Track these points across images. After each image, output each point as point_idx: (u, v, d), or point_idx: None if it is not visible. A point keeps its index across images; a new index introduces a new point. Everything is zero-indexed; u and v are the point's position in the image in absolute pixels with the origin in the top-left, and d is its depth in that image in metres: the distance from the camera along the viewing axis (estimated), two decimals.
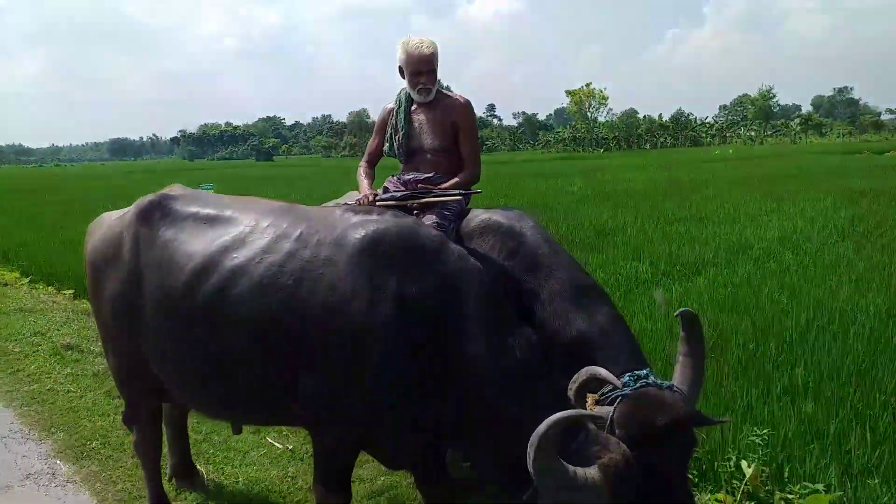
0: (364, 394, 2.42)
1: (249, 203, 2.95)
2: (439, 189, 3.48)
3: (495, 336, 2.36)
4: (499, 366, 2.32)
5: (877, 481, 3.30)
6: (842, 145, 54.51)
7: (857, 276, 7.45)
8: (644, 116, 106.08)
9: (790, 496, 3.30)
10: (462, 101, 3.74)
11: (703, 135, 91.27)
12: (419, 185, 3.49)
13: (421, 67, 3.59)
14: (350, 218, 2.65)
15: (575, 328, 2.73)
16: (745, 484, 3.37)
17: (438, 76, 3.71)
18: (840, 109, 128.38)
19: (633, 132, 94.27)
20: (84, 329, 7.04)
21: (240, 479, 3.75)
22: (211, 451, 4.10)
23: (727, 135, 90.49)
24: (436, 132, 3.67)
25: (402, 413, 2.45)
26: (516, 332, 2.39)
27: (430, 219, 3.25)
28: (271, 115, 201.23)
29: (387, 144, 3.86)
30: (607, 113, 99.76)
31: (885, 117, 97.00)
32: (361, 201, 3.57)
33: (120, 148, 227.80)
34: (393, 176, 3.75)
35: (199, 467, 3.76)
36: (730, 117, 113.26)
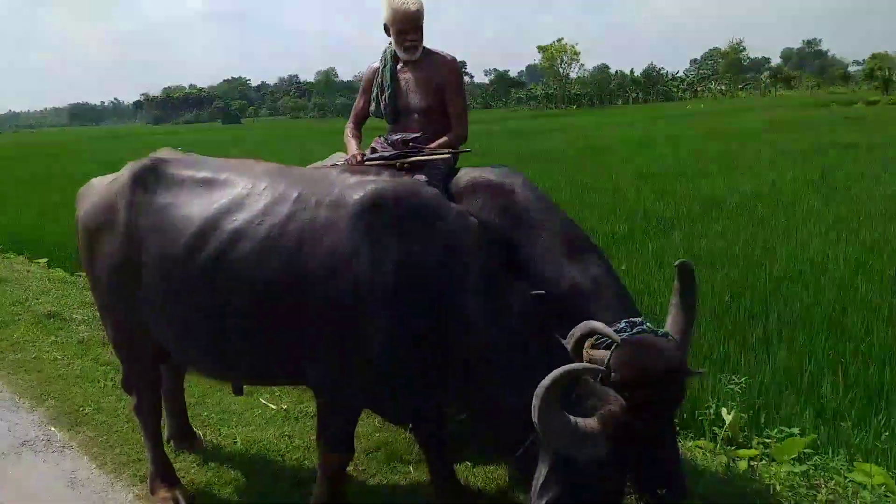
0: (368, 353, 2.46)
1: (244, 165, 2.95)
2: (428, 149, 3.49)
3: (495, 292, 2.41)
4: (499, 321, 2.38)
5: (849, 424, 3.47)
6: (811, 99, 55.03)
7: (826, 228, 7.66)
8: (616, 72, 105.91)
9: (767, 440, 3.45)
10: (449, 58, 3.71)
11: (675, 89, 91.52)
12: (411, 145, 3.48)
13: (407, 25, 3.56)
14: (348, 178, 2.66)
15: (568, 280, 2.79)
16: (725, 430, 3.53)
17: None
18: (809, 62, 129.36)
19: (605, 88, 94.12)
20: (64, 297, 6.99)
21: (237, 439, 3.82)
22: (206, 413, 4.16)
23: (698, 89, 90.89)
24: (423, 91, 3.64)
25: (407, 371, 2.50)
26: (514, 288, 2.45)
27: (419, 178, 3.27)
28: (236, 75, 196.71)
29: (373, 104, 3.83)
30: (579, 69, 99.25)
31: (852, 69, 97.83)
32: (350, 162, 3.56)
33: (81, 112, 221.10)
34: (380, 137, 3.72)
35: (196, 430, 3.82)
36: (700, 71, 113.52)
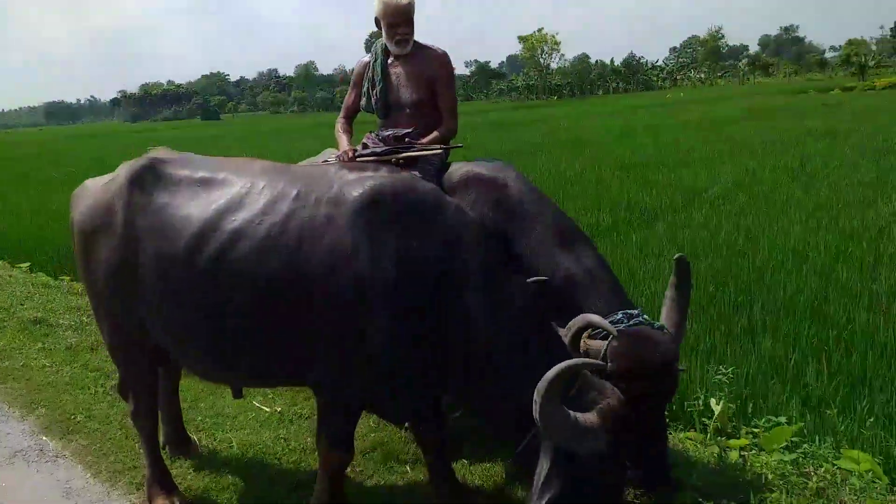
0: (369, 352, 2.48)
1: (242, 164, 2.95)
2: (420, 144, 3.49)
3: (495, 286, 2.44)
4: (498, 316, 2.41)
5: (834, 411, 3.54)
6: (788, 86, 55.56)
7: (807, 216, 7.77)
8: (596, 62, 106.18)
9: (756, 430, 3.51)
10: (440, 52, 3.70)
11: (655, 78, 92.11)
12: (406, 140, 3.47)
13: (398, 18, 3.56)
14: (346, 175, 2.66)
15: (563, 272, 2.83)
16: (715, 421, 3.59)
17: None
18: (786, 48, 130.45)
19: (586, 78, 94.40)
20: (49, 302, 6.91)
21: (233, 443, 3.82)
22: (200, 417, 4.15)
23: (678, 77, 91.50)
24: (414, 85, 3.63)
25: (407, 368, 2.53)
26: (512, 282, 2.48)
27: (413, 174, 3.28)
28: (215, 71, 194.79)
29: (364, 99, 3.81)
30: (560, 59, 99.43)
31: (828, 55, 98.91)
32: (342, 158, 3.55)
33: (57, 111, 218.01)
34: (371, 133, 3.70)
35: (190, 435, 3.82)
36: (679, 60, 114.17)
